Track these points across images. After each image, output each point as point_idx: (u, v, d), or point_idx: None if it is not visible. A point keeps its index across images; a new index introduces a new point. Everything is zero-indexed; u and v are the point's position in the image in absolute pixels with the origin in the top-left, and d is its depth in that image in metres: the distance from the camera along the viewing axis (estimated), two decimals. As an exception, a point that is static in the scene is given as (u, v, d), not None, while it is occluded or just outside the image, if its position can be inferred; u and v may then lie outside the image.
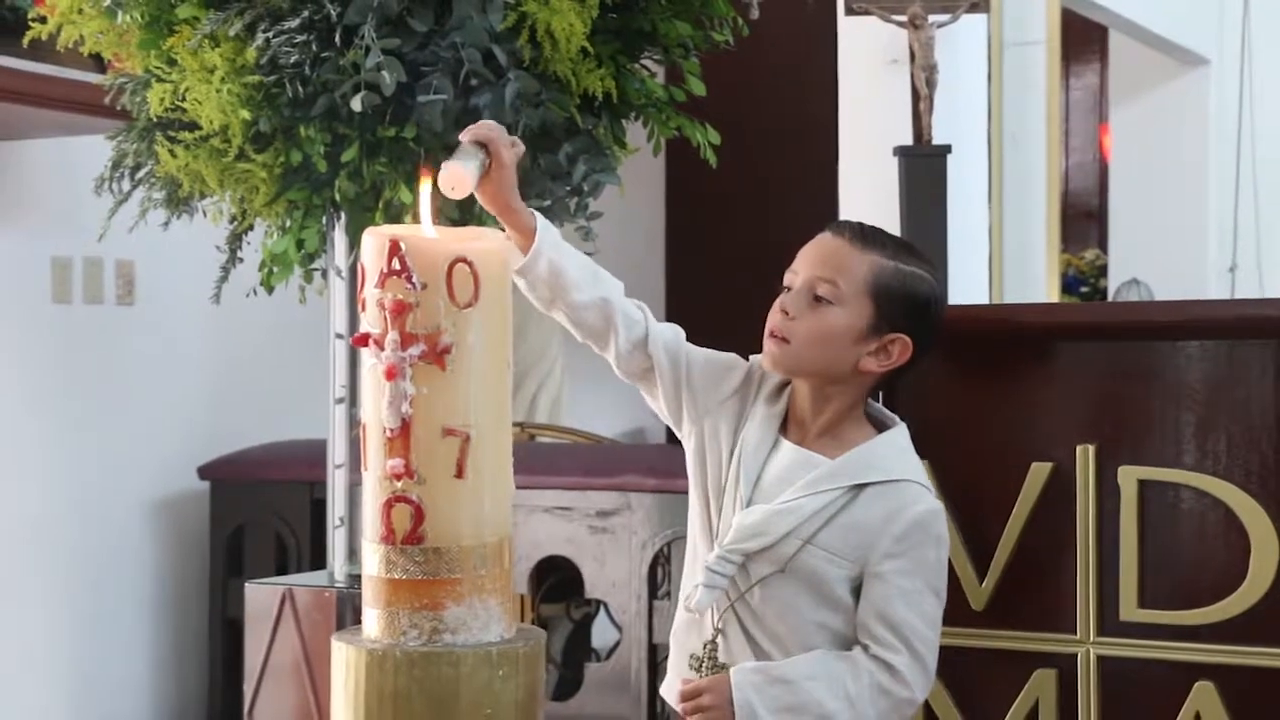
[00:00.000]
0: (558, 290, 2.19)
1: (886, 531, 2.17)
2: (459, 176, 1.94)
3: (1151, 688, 2.41)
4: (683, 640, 2.29)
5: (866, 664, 2.17)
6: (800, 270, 2.22)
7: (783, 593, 2.19)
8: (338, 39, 2.65)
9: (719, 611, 2.21)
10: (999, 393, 2.52)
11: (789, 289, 2.22)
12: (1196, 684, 2.37)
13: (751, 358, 2.31)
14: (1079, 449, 2.44)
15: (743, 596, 2.20)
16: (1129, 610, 2.41)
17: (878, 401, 2.36)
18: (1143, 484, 2.41)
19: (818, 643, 2.19)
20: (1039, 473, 2.46)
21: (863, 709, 2.16)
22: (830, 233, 2.25)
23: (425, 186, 1.91)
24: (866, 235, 2.23)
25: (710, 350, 2.31)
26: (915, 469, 2.24)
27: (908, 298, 2.21)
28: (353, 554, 2.92)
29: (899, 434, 2.26)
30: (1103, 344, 2.48)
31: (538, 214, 2.16)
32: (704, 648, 2.23)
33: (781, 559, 2.18)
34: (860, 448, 2.22)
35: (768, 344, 2.22)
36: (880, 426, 2.28)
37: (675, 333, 2.29)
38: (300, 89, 2.68)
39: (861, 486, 2.19)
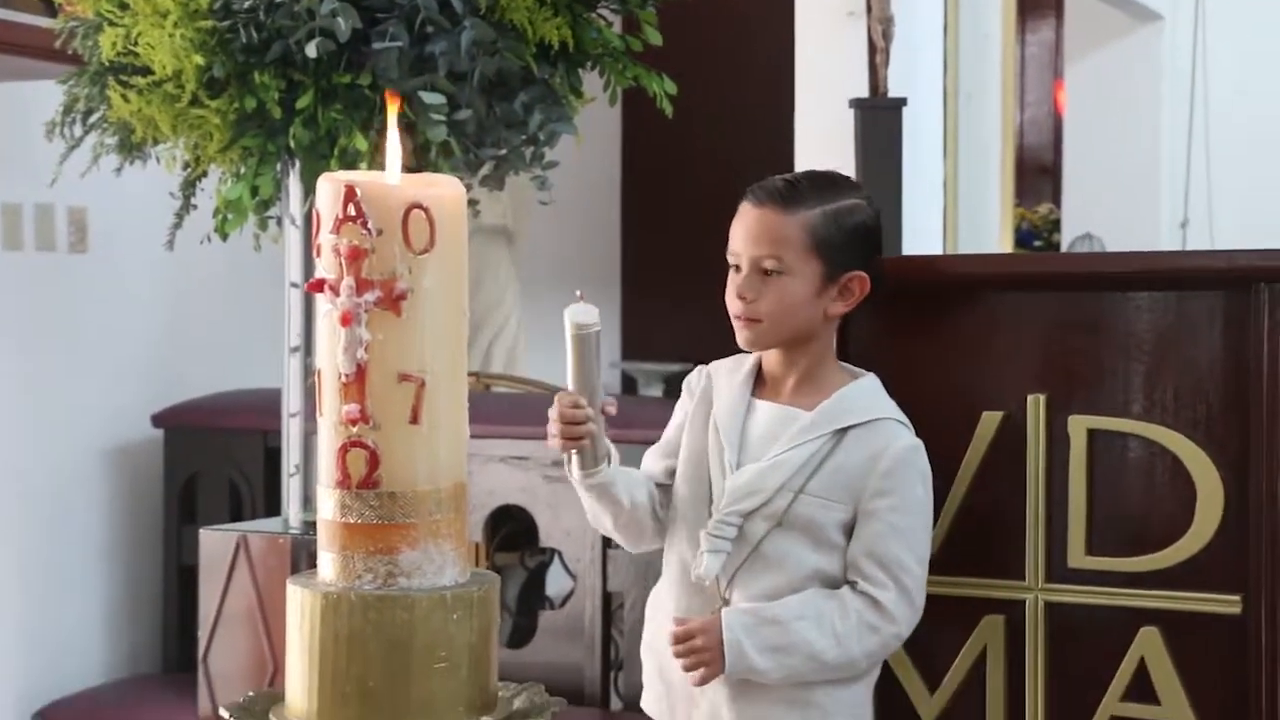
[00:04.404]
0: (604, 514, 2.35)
1: (873, 470, 2.23)
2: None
3: (1097, 633, 2.44)
4: (659, 650, 2.32)
5: (854, 602, 2.21)
6: (740, 251, 2.26)
7: (781, 545, 2.24)
8: (293, -16, 2.64)
9: (723, 579, 2.26)
10: (950, 343, 2.54)
11: (736, 268, 2.25)
12: (1141, 629, 2.41)
13: (689, 375, 2.39)
14: (1029, 398, 2.46)
15: (744, 562, 2.24)
16: (1077, 557, 2.44)
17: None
18: (1092, 433, 2.43)
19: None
20: (990, 422, 2.48)
21: (849, 646, 2.21)
22: (752, 204, 2.26)
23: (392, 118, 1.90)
24: (785, 195, 2.24)
25: (662, 435, 2.42)
26: (891, 408, 2.30)
27: (848, 237, 2.25)
28: (307, 502, 2.92)
29: (870, 379, 2.33)
30: (1053, 295, 2.50)
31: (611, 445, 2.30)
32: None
33: (777, 513, 2.22)
34: (835, 396, 2.27)
35: (739, 328, 2.27)
36: (852, 376, 2.33)
37: (648, 471, 2.40)
38: (254, 34, 2.67)
39: (843, 431, 2.25)
